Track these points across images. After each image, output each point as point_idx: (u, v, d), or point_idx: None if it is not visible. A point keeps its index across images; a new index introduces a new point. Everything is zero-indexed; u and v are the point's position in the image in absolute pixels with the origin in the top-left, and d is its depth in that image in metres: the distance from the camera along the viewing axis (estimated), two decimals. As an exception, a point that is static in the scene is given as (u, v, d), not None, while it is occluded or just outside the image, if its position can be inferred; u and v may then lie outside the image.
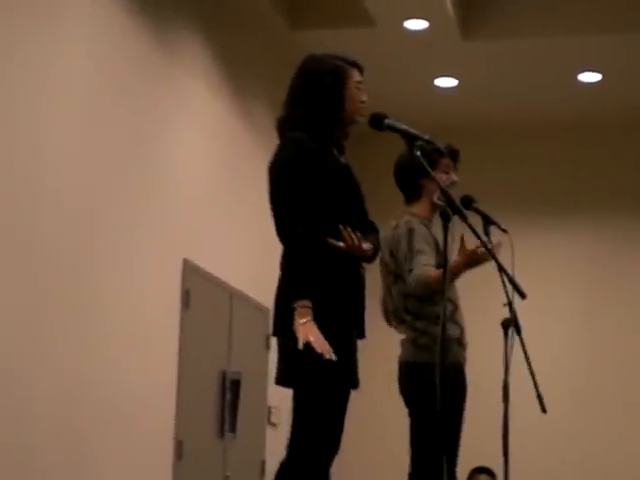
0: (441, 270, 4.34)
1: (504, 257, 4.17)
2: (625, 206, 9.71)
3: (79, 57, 5.56)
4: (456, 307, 4.62)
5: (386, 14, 7.83)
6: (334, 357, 3.42)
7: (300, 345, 3.41)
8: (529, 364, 4.06)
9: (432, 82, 9.09)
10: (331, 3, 8.15)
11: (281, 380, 3.62)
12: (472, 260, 4.36)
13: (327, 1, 8.18)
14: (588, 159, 9.83)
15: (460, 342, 4.57)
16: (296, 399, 3.58)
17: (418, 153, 3.44)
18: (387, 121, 3.49)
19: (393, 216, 4.70)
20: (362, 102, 3.79)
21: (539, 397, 4.08)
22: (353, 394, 3.67)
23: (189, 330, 6.69)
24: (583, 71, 8.81)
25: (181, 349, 6.57)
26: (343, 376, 3.57)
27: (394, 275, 4.57)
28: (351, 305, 3.65)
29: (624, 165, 9.77)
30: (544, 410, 4.08)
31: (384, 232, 4.38)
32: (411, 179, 4.67)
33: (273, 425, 7.99)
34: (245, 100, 7.84)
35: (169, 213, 6.52)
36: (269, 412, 7.96)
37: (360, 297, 3.72)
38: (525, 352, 4.04)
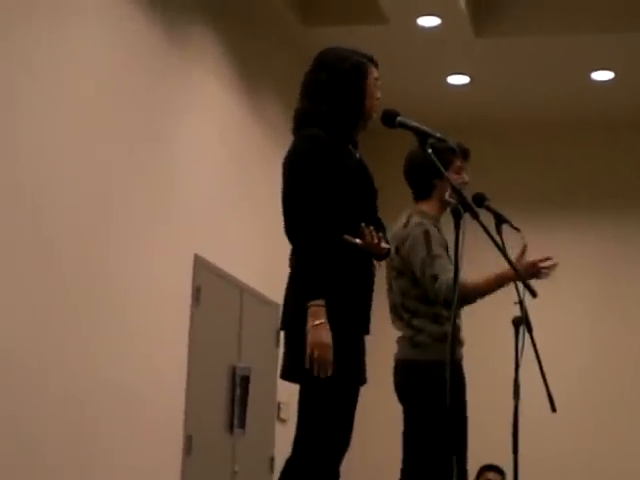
0: (476, 280, 4.33)
1: (515, 255, 4.16)
2: (637, 204, 9.69)
3: (89, 52, 5.57)
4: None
5: (399, 11, 7.82)
6: (329, 374, 3.42)
7: (306, 364, 3.41)
8: (539, 362, 4.05)
9: (445, 79, 9.08)
10: (344, 0, 8.14)
11: (287, 375, 3.59)
12: (529, 273, 4.30)
13: (340, -2, 8.18)
14: (601, 157, 9.81)
15: (458, 340, 4.56)
16: (303, 395, 3.55)
17: (430, 151, 3.43)
18: (399, 119, 3.48)
19: (403, 213, 4.68)
20: (377, 99, 3.79)
21: (549, 396, 4.08)
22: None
23: (199, 325, 6.70)
24: (596, 69, 8.79)
25: (191, 344, 6.58)
26: (351, 372, 3.55)
27: (397, 271, 4.56)
28: (363, 302, 3.64)
29: (636, 164, 9.75)
30: (554, 409, 4.08)
31: (391, 228, 4.37)
32: (424, 178, 4.64)
33: (282, 421, 7.99)
34: (256, 95, 7.84)
35: (180, 209, 6.53)
36: (278, 408, 7.96)
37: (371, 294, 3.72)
38: (536, 350, 4.03)
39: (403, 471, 4.51)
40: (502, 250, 3.91)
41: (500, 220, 4.47)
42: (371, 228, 3.58)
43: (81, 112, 5.46)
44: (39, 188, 5.07)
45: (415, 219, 4.56)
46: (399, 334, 4.59)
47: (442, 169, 3.50)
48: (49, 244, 5.14)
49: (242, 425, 7.23)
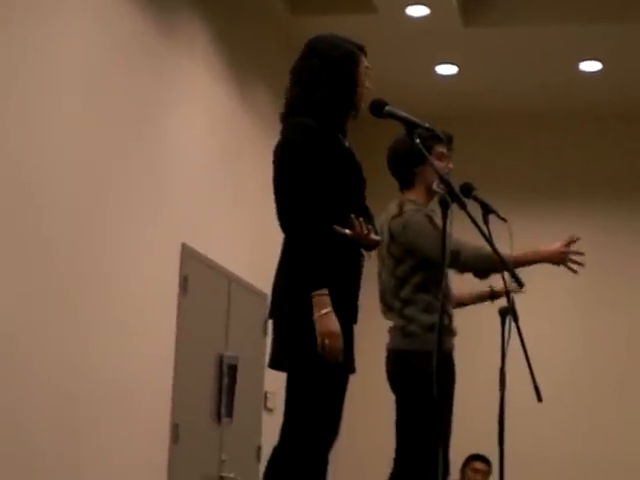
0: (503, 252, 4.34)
1: (502, 245, 4.16)
2: (626, 195, 9.72)
3: (78, 41, 5.55)
4: (447, 295, 4.60)
5: (387, 0, 7.81)
6: (340, 359, 3.44)
7: (319, 349, 3.42)
8: (526, 352, 4.07)
9: (433, 69, 9.08)
10: (333, -11, 8.13)
11: (276, 364, 3.59)
12: (555, 259, 4.55)
13: (329, -14, 8.17)
14: (588, 147, 9.83)
15: (449, 330, 4.57)
16: (292, 383, 3.55)
17: (417, 140, 3.43)
18: (387, 108, 3.48)
19: (391, 203, 4.68)
20: (367, 88, 3.79)
21: (535, 386, 4.09)
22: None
23: (187, 315, 6.69)
24: (584, 60, 8.79)
25: (179, 334, 6.58)
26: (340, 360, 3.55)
27: (396, 259, 4.55)
28: (352, 291, 3.65)
29: (625, 154, 9.77)
30: (540, 399, 4.09)
31: (378, 217, 4.38)
32: (404, 167, 4.66)
33: (269, 410, 8.00)
34: (245, 84, 7.83)
35: (168, 198, 6.52)
36: (265, 397, 7.97)
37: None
38: (522, 340, 4.05)
39: (396, 460, 4.53)
40: (489, 240, 3.91)
41: (487, 210, 4.48)
42: (361, 219, 3.58)
43: (68, 102, 5.44)
44: (27, 178, 5.05)
45: (409, 206, 4.58)
46: (387, 324, 4.60)
47: (428, 156, 3.51)
48: (36, 234, 5.13)
49: (229, 414, 7.24)
